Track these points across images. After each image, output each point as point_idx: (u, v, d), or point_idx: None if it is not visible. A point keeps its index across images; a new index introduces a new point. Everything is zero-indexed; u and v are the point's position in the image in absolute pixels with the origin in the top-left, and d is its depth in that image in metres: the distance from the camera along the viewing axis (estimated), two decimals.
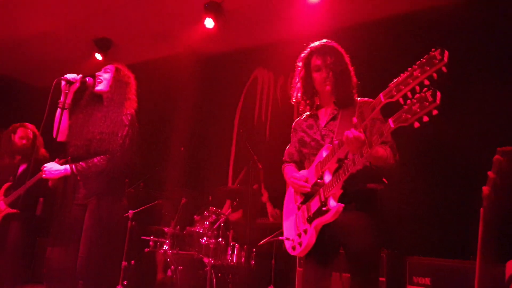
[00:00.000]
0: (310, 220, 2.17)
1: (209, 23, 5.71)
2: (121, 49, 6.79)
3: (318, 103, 2.47)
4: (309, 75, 2.42)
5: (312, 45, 2.47)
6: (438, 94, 1.56)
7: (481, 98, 4.22)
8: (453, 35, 4.61)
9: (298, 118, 2.57)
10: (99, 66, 3.19)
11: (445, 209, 4.19)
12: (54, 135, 2.88)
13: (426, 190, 4.33)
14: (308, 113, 2.49)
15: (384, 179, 2.25)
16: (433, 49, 1.60)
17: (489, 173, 1.32)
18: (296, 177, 2.32)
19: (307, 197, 2.27)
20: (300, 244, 2.21)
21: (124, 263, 4.41)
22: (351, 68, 2.40)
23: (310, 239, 2.14)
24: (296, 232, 2.27)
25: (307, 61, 2.45)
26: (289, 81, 6.14)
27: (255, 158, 4.60)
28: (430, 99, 1.56)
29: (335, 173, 2.11)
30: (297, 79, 2.48)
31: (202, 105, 6.97)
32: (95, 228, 2.73)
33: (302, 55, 2.49)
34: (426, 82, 1.62)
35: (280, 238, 2.49)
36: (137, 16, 5.98)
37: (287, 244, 2.35)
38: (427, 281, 3.37)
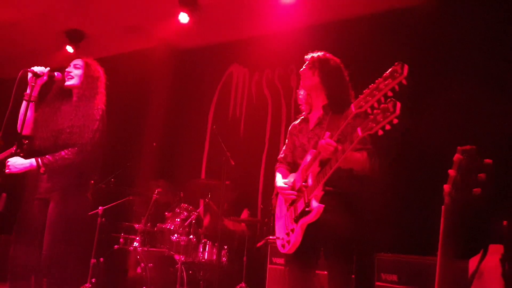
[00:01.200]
0: (296, 220, 2.32)
1: (183, 17, 5.65)
2: (93, 42, 6.63)
3: (311, 107, 2.62)
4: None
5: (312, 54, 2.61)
6: (398, 104, 1.76)
7: (442, 97, 4.32)
8: (422, 35, 4.73)
9: (294, 122, 2.73)
10: (70, 58, 3.10)
11: (410, 207, 4.29)
12: (19, 129, 2.78)
13: (391, 188, 4.41)
14: (302, 117, 2.66)
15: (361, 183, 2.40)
16: (396, 63, 1.80)
17: (450, 171, 1.35)
18: (283, 187, 2.48)
19: (294, 199, 2.42)
20: (288, 242, 2.37)
21: (93, 260, 4.33)
22: (347, 79, 2.54)
23: (297, 237, 2.31)
24: (285, 232, 2.43)
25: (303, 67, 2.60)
26: (264, 77, 6.15)
27: (228, 154, 4.58)
28: (391, 109, 1.76)
29: (317, 176, 2.26)
30: (300, 89, 2.67)
31: (175, 100, 6.89)
32: (58, 224, 2.64)
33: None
34: (390, 94, 1.82)
35: (271, 237, 2.61)
36: (111, 8, 5.85)
37: (278, 243, 2.51)
38: (394, 277, 3.43)
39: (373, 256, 3.72)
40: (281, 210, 2.58)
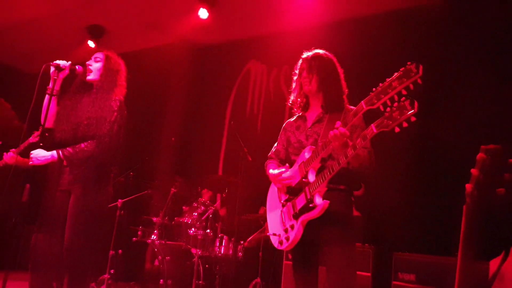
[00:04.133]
0: (296, 216, 2.29)
1: (203, 13, 5.68)
2: (113, 37, 6.73)
3: (308, 106, 2.58)
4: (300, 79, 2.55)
5: (305, 54, 2.58)
6: (416, 103, 1.76)
7: (465, 96, 4.25)
8: (442, 34, 4.66)
9: (289, 119, 2.69)
10: (92, 53, 3.15)
11: (430, 206, 4.24)
12: (42, 122, 2.83)
13: (411, 187, 4.36)
14: (298, 114, 2.62)
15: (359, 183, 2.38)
16: (409, 63, 1.80)
17: (473, 170, 1.33)
18: (278, 173, 2.43)
19: (291, 195, 2.39)
20: (287, 239, 2.33)
21: (111, 252, 4.39)
22: (342, 76, 2.50)
23: (297, 234, 2.27)
24: (283, 228, 2.39)
25: (300, 67, 2.57)
26: (282, 74, 6.14)
27: (245, 150, 4.59)
28: (409, 107, 1.77)
29: (319, 172, 2.23)
30: (294, 84, 2.62)
31: (194, 95, 6.94)
32: (80, 215, 2.69)
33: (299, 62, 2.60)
34: (404, 92, 1.82)
35: (267, 233, 2.58)
36: (131, 4, 5.92)
37: (274, 239, 2.46)
38: (412, 277, 3.40)
39: (390, 255, 3.70)
40: (274, 205, 2.55)
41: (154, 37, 6.73)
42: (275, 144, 2.70)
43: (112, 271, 4.38)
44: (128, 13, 6.17)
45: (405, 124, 1.78)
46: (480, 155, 1.31)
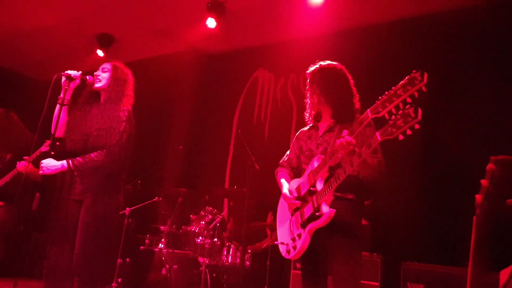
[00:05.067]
0: (303, 225, 2.29)
1: (211, 22, 5.72)
2: (122, 46, 6.79)
3: (320, 116, 2.62)
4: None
5: (310, 68, 2.62)
6: (419, 110, 1.77)
7: (475, 106, 4.23)
8: (450, 42, 4.66)
9: (302, 129, 2.72)
10: (101, 62, 3.18)
11: (440, 216, 4.21)
12: (53, 131, 2.87)
13: (421, 197, 4.34)
14: (311, 124, 2.65)
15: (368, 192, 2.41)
16: (414, 71, 1.82)
17: (482, 181, 1.33)
18: (288, 196, 2.44)
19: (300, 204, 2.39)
20: (294, 248, 2.34)
21: (119, 261, 4.41)
22: (351, 84, 2.52)
23: (304, 243, 2.28)
24: (290, 237, 2.40)
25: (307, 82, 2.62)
26: (289, 82, 6.16)
27: (253, 158, 4.59)
28: (413, 115, 1.77)
29: (326, 181, 2.25)
30: (308, 100, 2.66)
31: (201, 104, 6.98)
32: (91, 224, 2.71)
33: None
34: (409, 100, 1.83)
35: (276, 242, 2.59)
36: (140, 13, 5.99)
37: (282, 248, 2.48)
38: (421, 287, 3.37)
39: (399, 265, 3.67)
40: (283, 214, 2.56)
41: (162, 45, 6.79)
42: (287, 152, 2.72)
43: (119, 280, 4.39)
44: (137, 22, 6.24)
45: (409, 132, 1.79)
46: (489, 166, 1.31)
